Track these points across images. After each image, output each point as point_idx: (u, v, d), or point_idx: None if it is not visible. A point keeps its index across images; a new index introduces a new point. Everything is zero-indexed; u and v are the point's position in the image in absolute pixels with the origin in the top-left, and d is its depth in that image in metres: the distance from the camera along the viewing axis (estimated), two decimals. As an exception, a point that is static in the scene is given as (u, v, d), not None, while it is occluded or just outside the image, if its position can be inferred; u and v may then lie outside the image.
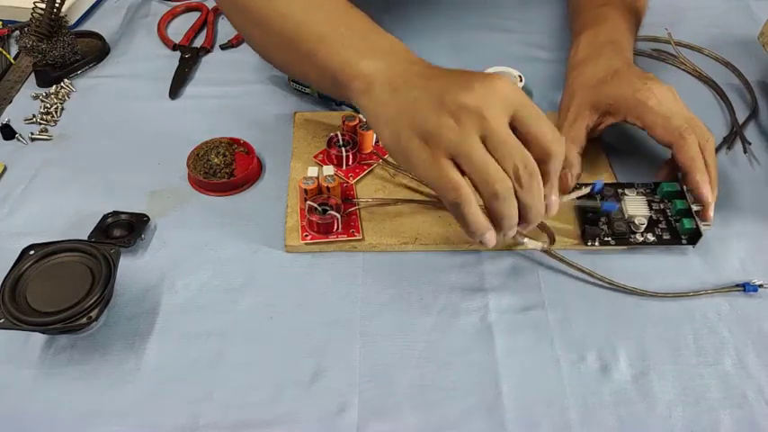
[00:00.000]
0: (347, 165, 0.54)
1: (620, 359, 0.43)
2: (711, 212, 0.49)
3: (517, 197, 0.39)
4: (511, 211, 0.39)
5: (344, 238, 0.49)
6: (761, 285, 0.46)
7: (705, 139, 0.49)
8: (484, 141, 0.38)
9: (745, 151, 0.58)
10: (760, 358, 0.43)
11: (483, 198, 0.39)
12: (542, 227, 0.48)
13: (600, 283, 0.47)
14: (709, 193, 0.48)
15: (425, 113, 0.39)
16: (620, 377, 0.42)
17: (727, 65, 0.68)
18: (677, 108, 0.51)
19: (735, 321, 0.45)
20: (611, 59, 0.55)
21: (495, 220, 0.40)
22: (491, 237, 0.41)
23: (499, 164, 0.38)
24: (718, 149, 0.58)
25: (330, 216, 0.48)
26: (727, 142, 0.59)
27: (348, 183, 0.53)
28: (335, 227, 0.48)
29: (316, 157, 0.56)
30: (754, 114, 0.62)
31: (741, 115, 0.62)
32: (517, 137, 0.39)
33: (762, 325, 0.45)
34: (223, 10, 0.54)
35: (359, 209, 0.51)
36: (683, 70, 0.68)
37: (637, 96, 0.51)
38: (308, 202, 0.48)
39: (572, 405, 0.41)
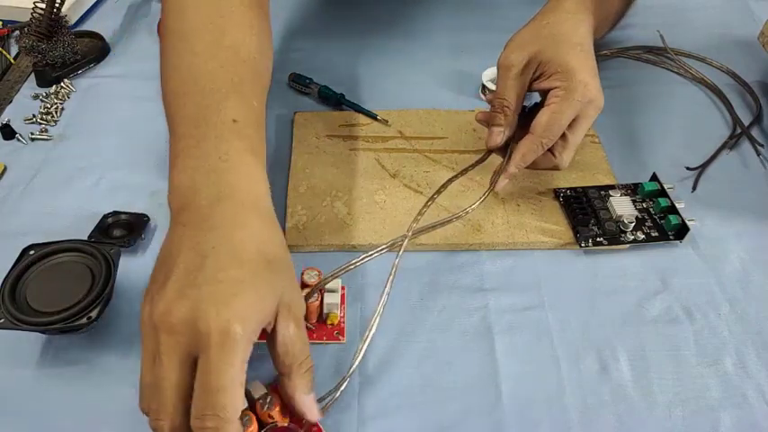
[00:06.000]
0: None
1: (619, 359, 0.43)
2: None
3: None
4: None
5: None
6: None
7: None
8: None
9: (758, 154, 0.58)
10: (760, 358, 0.43)
11: None
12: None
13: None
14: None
15: (162, 300, 0.33)
16: (619, 377, 0.42)
17: (728, 72, 0.68)
18: None
19: (735, 321, 0.45)
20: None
21: None
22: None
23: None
24: (719, 150, 0.58)
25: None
26: (730, 142, 0.59)
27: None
28: None
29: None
30: (759, 116, 0.62)
31: (741, 115, 0.62)
32: None
33: (762, 325, 0.45)
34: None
35: None
36: (683, 72, 0.68)
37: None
38: None
39: (572, 405, 0.41)
